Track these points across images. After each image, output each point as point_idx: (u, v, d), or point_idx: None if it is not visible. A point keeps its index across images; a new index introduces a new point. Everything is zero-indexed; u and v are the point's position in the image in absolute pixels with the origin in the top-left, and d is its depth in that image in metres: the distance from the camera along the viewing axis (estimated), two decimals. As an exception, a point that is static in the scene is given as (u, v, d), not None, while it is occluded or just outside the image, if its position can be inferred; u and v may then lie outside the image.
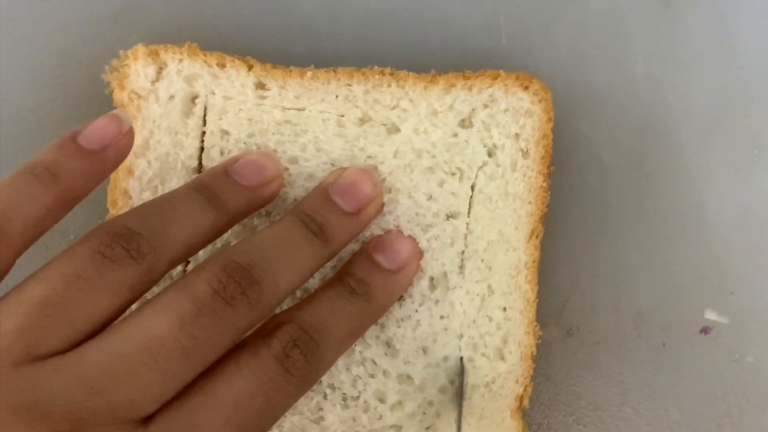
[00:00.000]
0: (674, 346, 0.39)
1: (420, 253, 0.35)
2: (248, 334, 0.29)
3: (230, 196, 0.32)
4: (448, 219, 0.36)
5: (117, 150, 0.31)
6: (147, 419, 0.26)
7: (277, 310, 0.32)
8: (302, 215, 0.32)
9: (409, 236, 0.35)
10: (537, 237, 0.36)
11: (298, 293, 0.35)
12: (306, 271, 0.31)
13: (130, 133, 0.32)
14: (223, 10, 0.39)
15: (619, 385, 0.38)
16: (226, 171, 0.33)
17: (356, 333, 0.33)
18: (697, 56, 0.41)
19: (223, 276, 0.28)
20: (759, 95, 0.41)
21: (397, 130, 0.36)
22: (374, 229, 0.35)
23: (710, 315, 0.39)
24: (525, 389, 0.35)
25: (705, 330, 0.39)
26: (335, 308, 0.31)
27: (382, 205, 0.35)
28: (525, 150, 0.36)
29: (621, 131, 0.40)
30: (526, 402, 0.35)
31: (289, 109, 0.36)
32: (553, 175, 0.39)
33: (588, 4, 0.41)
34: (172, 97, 0.36)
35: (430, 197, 0.35)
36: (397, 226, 0.35)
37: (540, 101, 0.36)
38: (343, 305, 0.32)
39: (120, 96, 0.36)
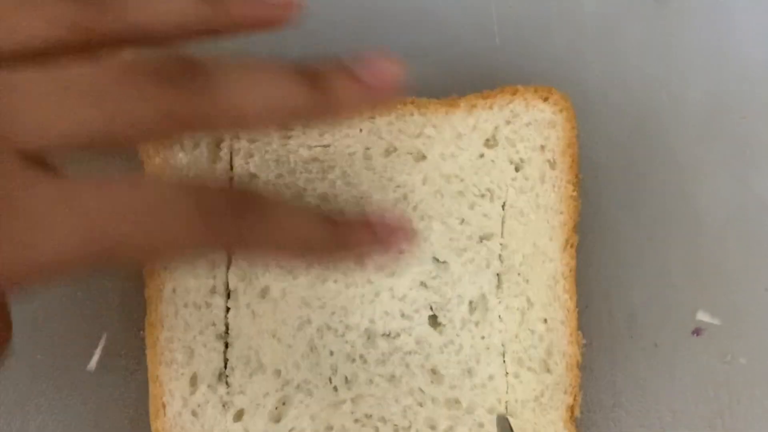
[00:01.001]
0: (666, 347, 0.39)
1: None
2: None
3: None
4: (482, 241, 0.36)
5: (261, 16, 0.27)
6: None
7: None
8: (299, 65, 0.26)
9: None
10: (572, 246, 0.36)
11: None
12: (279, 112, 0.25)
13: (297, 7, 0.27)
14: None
15: (612, 386, 0.38)
16: None
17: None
18: (692, 57, 0.41)
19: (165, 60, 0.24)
20: (753, 96, 0.41)
21: (424, 157, 0.36)
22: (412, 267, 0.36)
23: (702, 316, 0.39)
24: (575, 398, 0.35)
25: (697, 331, 0.39)
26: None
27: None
28: (552, 161, 0.36)
29: (615, 132, 0.40)
30: (577, 411, 0.35)
31: (315, 146, 0.36)
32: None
33: (582, 4, 0.41)
34: (197, 145, 0.36)
35: (462, 221, 0.36)
36: (433, 254, 0.36)
37: (561, 111, 0.36)
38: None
39: (145, 148, 0.36)
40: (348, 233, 0.26)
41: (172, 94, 0.23)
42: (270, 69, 0.25)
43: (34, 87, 0.23)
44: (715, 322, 0.39)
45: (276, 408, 0.35)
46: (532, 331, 0.35)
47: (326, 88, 0.25)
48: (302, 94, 0.25)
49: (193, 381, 0.35)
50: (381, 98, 0.26)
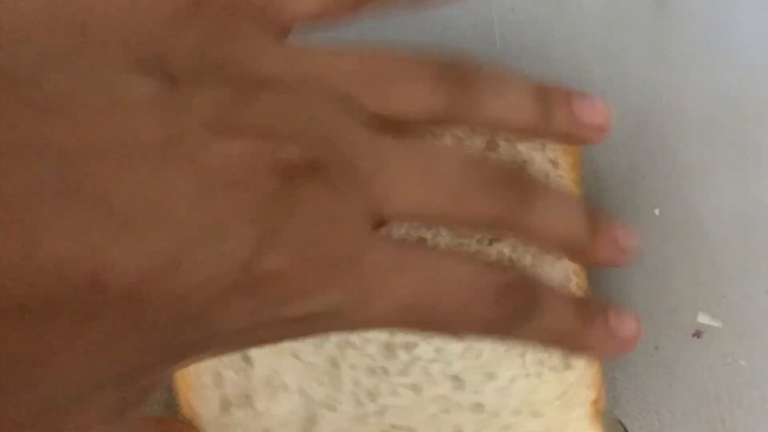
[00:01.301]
0: (667, 349, 0.39)
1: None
2: None
3: None
4: (491, 243, 0.36)
5: None
6: None
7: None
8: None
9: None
10: None
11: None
12: None
13: None
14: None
15: (612, 389, 0.38)
16: None
17: None
18: (693, 58, 0.41)
19: None
20: (755, 97, 0.41)
21: None
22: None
23: (703, 318, 0.39)
24: (598, 393, 0.35)
25: (698, 333, 0.39)
26: None
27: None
28: (554, 160, 0.36)
29: (615, 133, 0.40)
30: (601, 405, 0.35)
31: None
32: (547, 178, 0.39)
33: (582, 5, 0.41)
34: None
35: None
36: None
37: None
38: None
39: None
40: None
41: (505, 201, 0.24)
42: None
43: (406, 157, 0.23)
44: (716, 324, 0.39)
45: (302, 427, 0.35)
46: None
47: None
48: None
49: (224, 404, 0.35)
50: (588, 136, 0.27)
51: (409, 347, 0.35)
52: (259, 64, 0.22)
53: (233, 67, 0.22)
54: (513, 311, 0.24)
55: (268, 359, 0.35)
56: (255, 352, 0.35)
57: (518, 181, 0.24)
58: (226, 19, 0.22)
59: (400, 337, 0.35)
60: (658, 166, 0.40)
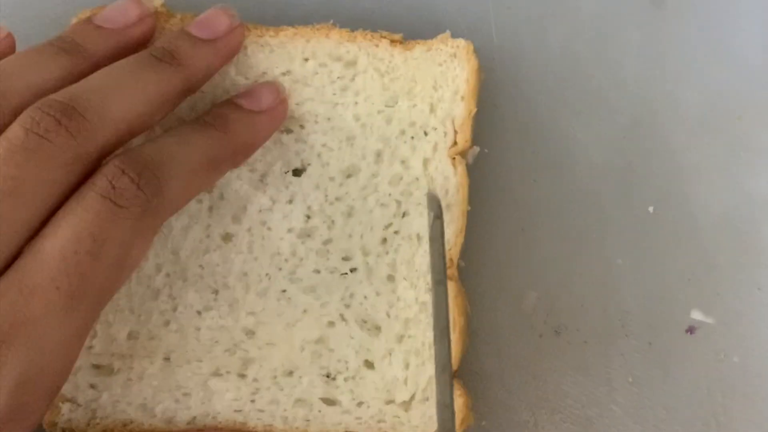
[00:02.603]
0: (661, 346, 0.39)
1: (285, 100, 0.36)
2: None
3: (91, 41, 0.32)
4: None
5: (140, 28, 0.34)
6: None
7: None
8: (152, 48, 0.33)
9: (276, 86, 0.36)
10: None
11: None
12: (151, 95, 0.31)
13: (151, 19, 0.34)
14: None
15: (607, 384, 0.39)
16: (89, 19, 0.33)
17: (211, 165, 0.32)
18: (688, 58, 0.41)
19: (36, 114, 0.27)
20: (748, 97, 0.41)
21: None
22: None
23: (696, 315, 0.39)
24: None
25: (691, 330, 0.39)
26: (183, 139, 0.31)
27: (242, 35, 0.36)
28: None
29: (612, 132, 0.41)
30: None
31: None
32: (544, 175, 0.39)
33: (579, 4, 0.41)
34: None
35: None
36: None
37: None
38: (192, 135, 0.32)
39: None
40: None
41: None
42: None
43: None
44: (709, 320, 0.39)
45: None
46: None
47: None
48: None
49: None
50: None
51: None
52: None
53: None
54: (135, 191, 0.27)
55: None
56: None
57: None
58: None
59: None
60: (652, 164, 0.40)
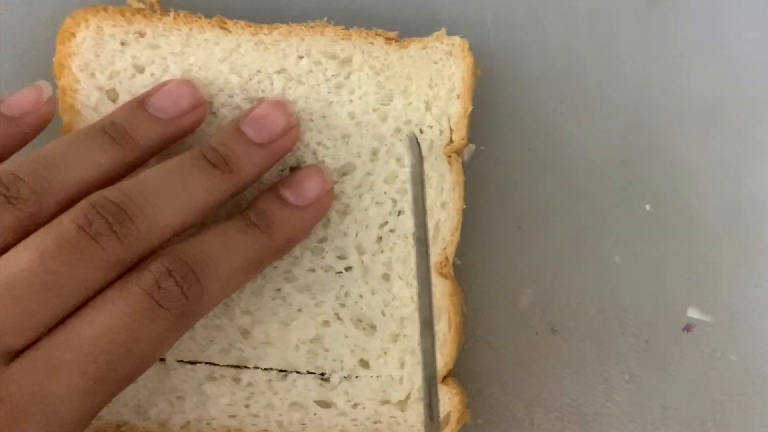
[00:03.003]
0: (658, 344, 0.39)
1: (331, 190, 0.35)
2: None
3: (141, 130, 0.32)
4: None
5: (35, 117, 0.32)
6: (15, 357, 0.27)
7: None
8: (204, 148, 0.32)
9: (320, 172, 0.35)
10: None
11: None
12: (200, 203, 0.31)
13: (50, 102, 0.33)
14: None
15: (603, 382, 0.39)
16: (141, 103, 0.33)
17: (252, 266, 0.32)
18: (686, 55, 0.41)
19: (90, 212, 0.28)
20: (747, 95, 0.41)
21: None
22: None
23: (693, 313, 0.39)
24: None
25: (688, 328, 0.39)
26: (227, 240, 0.31)
27: (298, 136, 0.35)
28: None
29: (609, 130, 0.40)
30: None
31: None
32: (541, 173, 0.39)
33: (576, 1, 0.41)
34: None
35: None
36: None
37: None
38: (236, 236, 0.31)
39: None
40: None
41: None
42: None
43: None
44: (706, 319, 0.39)
45: None
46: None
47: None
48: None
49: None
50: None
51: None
52: None
53: None
54: (178, 294, 0.28)
55: None
56: None
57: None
58: None
59: None
60: (649, 161, 0.40)
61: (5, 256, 0.27)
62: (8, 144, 0.32)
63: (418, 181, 0.33)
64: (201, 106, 0.34)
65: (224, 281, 0.30)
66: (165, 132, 0.33)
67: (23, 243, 0.27)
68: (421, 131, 0.36)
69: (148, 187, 0.29)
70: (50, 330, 0.27)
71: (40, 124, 0.33)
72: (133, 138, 0.31)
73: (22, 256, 0.27)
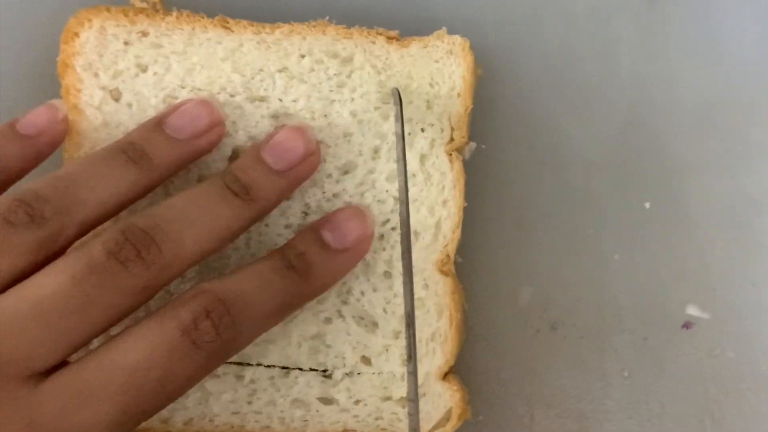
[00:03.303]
0: (656, 341, 0.39)
1: (371, 235, 0.35)
2: (172, 300, 0.30)
3: (159, 151, 0.32)
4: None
5: (50, 136, 0.33)
6: (43, 378, 0.27)
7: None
8: (226, 176, 0.32)
9: (363, 215, 0.35)
10: None
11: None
12: (223, 232, 0.31)
13: (65, 121, 0.34)
14: None
15: (602, 379, 0.39)
16: (159, 124, 0.33)
17: (286, 310, 0.32)
18: (683, 55, 0.41)
19: (120, 238, 0.28)
20: (744, 94, 0.41)
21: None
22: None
23: (692, 310, 0.39)
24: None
25: (687, 325, 0.39)
26: (264, 282, 0.31)
27: (318, 162, 0.36)
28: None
29: (608, 129, 0.41)
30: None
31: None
32: (540, 171, 0.39)
33: (576, 1, 0.41)
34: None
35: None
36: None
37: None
38: (274, 279, 0.31)
39: None
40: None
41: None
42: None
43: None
44: (705, 316, 0.39)
45: None
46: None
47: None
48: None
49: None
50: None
51: None
52: None
53: None
54: (213, 335, 0.28)
55: None
56: None
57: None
58: None
59: None
60: (648, 160, 0.40)
61: (35, 278, 0.28)
62: (24, 163, 0.32)
63: (399, 138, 0.34)
64: (219, 126, 0.35)
65: (257, 325, 0.31)
66: (183, 153, 0.33)
67: (53, 265, 0.28)
68: (422, 130, 0.37)
69: (174, 216, 0.30)
70: (76, 352, 0.28)
71: (56, 142, 0.33)
72: (151, 159, 0.32)
73: (53, 279, 0.27)
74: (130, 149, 0.32)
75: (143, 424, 0.34)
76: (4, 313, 0.27)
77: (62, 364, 0.28)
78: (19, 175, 0.32)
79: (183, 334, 0.28)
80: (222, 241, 0.31)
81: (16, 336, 0.27)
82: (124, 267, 0.28)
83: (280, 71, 0.36)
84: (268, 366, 0.36)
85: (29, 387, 0.27)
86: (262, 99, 0.36)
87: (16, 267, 0.28)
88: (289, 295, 0.32)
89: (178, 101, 0.35)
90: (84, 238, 0.31)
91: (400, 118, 0.34)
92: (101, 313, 0.28)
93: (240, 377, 0.35)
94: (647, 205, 0.40)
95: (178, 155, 0.33)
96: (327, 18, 0.37)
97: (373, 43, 0.37)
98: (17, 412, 0.26)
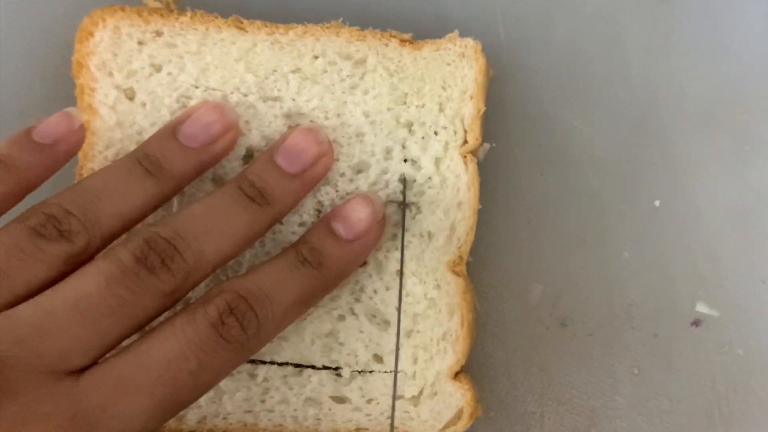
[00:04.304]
0: (665, 338, 0.39)
1: (382, 223, 0.36)
2: (197, 299, 0.31)
3: (175, 160, 0.33)
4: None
5: (67, 145, 0.33)
6: (80, 374, 0.28)
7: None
8: (242, 181, 0.33)
9: (370, 203, 0.35)
10: None
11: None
12: (241, 237, 0.32)
13: (81, 130, 0.34)
14: None
15: (611, 376, 0.39)
16: (173, 132, 0.34)
17: (305, 302, 0.33)
18: (691, 53, 0.41)
19: (145, 247, 0.29)
20: (752, 92, 0.41)
21: None
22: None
23: (701, 308, 0.40)
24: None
25: (696, 322, 0.40)
26: (281, 278, 0.32)
27: (331, 162, 0.36)
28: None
29: (616, 126, 0.41)
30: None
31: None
32: (550, 169, 0.40)
33: (585, 1, 0.41)
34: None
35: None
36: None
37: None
38: (290, 273, 0.32)
39: None
40: None
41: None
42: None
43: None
44: (714, 313, 0.40)
45: None
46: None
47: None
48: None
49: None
50: None
51: None
52: None
53: None
54: (239, 330, 0.30)
55: None
56: None
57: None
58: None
59: None
60: (657, 158, 0.41)
61: (69, 281, 0.29)
62: (42, 172, 0.33)
63: (401, 220, 0.36)
64: (232, 130, 0.35)
65: (279, 319, 0.31)
66: (198, 161, 0.34)
67: (85, 269, 0.29)
68: (436, 132, 0.37)
69: (193, 225, 0.31)
70: (111, 350, 0.29)
71: (72, 151, 0.34)
72: (167, 170, 0.33)
73: (89, 280, 0.29)
74: (145, 161, 0.32)
75: None
76: (43, 313, 0.28)
77: (95, 363, 0.29)
78: (36, 184, 0.33)
79: (212, 328, 0.29)
80: (241, 246, 0.32)
81: (55, 334, 0.28)
82: (152, 273, 0.29)
83: (293, 72, 0.37)
84: (281, 364, 0.36)
85: (70, 382, 0.28)
86: (276, 99, 0.36)
87: (48, 276, 0.29)
88: (307, 288, 0.33)
89: (191, 106, 0.35)
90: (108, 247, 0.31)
91: (403, 206, 0.36)
92: (133, 314, 0.29)
93: (253, 376, 0.36)
94: (657, 203, 0.40)
95: (193, 164, 0.34)
96: (340, 19, 0.37)
97: (386, 45, 0.37)
98: (60, 406, 0.27)
